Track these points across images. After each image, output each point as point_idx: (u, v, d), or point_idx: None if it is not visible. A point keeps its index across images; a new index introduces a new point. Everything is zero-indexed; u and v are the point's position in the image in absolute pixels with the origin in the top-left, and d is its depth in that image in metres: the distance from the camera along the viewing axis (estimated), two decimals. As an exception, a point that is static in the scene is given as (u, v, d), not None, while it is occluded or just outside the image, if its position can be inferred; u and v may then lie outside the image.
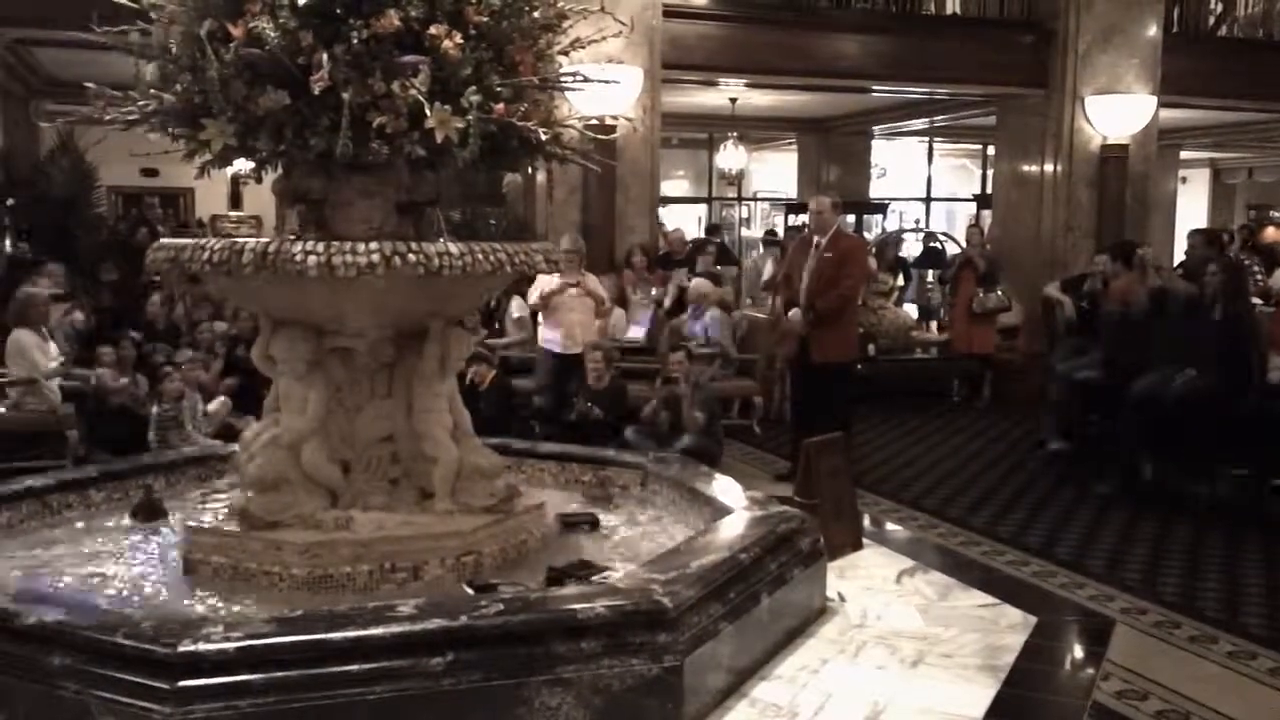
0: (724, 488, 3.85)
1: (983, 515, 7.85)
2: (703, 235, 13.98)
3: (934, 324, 15.16)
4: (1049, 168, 13.19)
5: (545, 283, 9.06)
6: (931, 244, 17.67)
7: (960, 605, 3.52)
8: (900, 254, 16.65)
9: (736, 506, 3.54)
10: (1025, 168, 13.57)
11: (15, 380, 8.15)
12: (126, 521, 3.82)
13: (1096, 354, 9.29)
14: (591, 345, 8.80)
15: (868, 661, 3.04)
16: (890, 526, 4.86)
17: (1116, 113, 12.84)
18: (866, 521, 4.30)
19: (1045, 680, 3.03)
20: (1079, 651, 3.32)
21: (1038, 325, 12.26)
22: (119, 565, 3.45)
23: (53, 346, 8.45)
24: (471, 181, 11.50)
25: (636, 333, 10.69)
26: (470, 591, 3.13)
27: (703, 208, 22.58)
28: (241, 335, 9.13)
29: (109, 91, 3.31)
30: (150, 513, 3.84)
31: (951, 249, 15.91)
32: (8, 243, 12.12)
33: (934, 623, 3.34)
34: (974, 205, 21.25)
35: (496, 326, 10.57)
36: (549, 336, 9.31)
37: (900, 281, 14.72)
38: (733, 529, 3.28)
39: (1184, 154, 21.57)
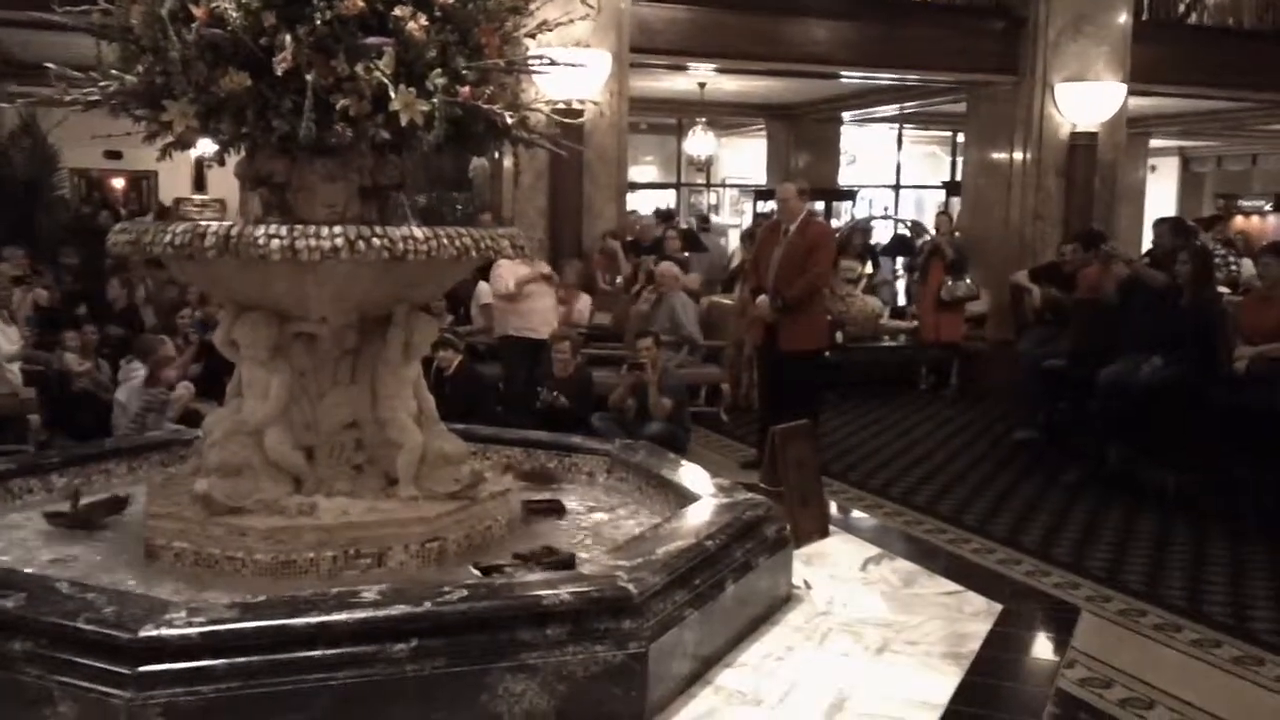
0: (690, 475, 3.86)
1: (949, 503, 7.92)
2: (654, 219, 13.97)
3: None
4: (1018, 155, 13.28)
5: (514, 270, 9.06)
6: (900, 231, 17.75)
7: (925, 593, 3.54)
8: (869, 241, 16.68)
9: (703, 494, 3.55)
10: (994, 155, 13.65)
11: (-26, 364, 8.07)
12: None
13: (1064, 342, 9.38)
14: (558, 334, 8.81)
15: (833, 649, 3.06)
16: (856, 514, 4.89)
17: (1086, 101, 12.94)
18: (833, 509, 4.32)
19: (1010, 668, 3.05)
20: (1044, 639, 3.35)
21: (1006, 313, 12.36)
22: (80, 549, 3.43)
23: (14, 330, 8.37)
24: (437, 166, 11.48)
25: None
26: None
27: (671, 193, 22.58)
28: (208, 320, 9.09)
29: (70, 72, 3.27)
30: (83, 523, 3.64)
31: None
32: None
33: (899, 610, 3.37)
34: (943, 193, 21.35)
35: (462, 312, 10.55)
36: (519, 324, 9.31)
37: (869, 269, 14.77)
38: (699, 516, 3.29)
39: (1153, 142, 21.77)
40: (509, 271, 9.10)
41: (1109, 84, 12.99)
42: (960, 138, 18.01)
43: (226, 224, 3.13)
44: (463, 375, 8.36)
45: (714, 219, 22.36)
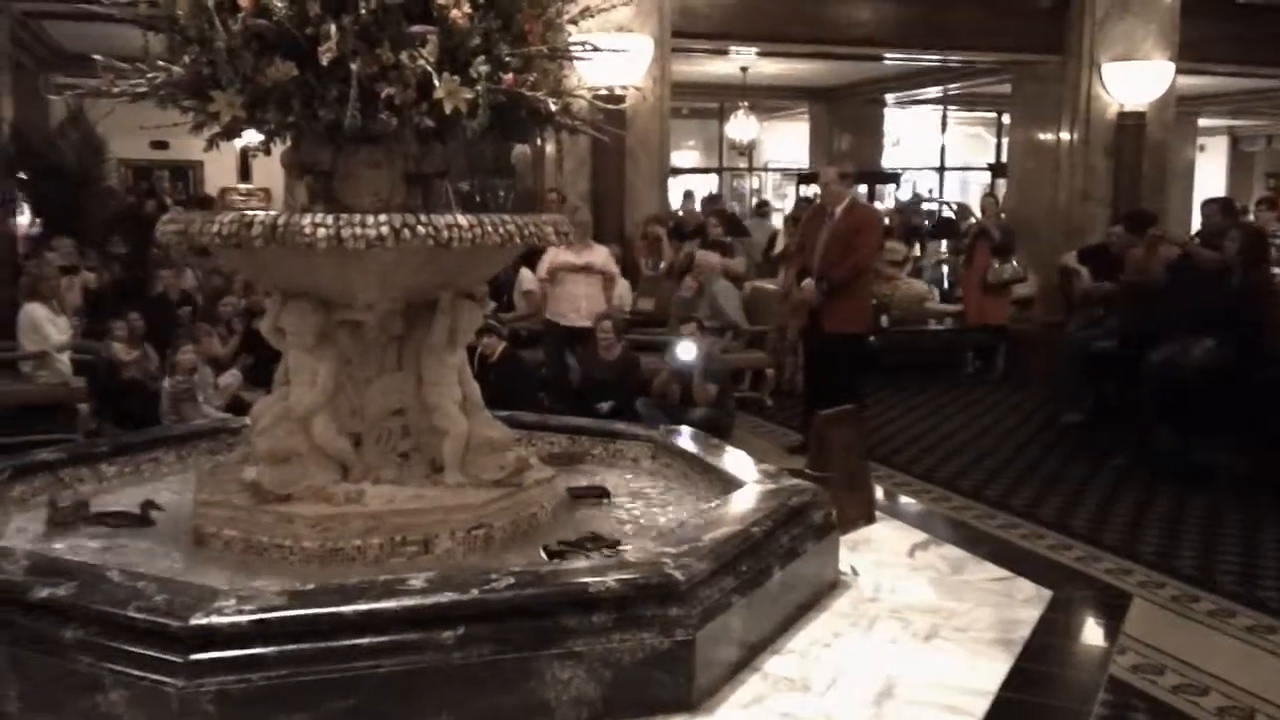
0: (735, 461, 3.85)
1: (997, 488, 7.86)
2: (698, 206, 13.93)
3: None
4: (1065, 136, 13.12)
5: (552, 256, 9.09)
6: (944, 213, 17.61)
7: (974, 579, 3.52)
8: (918, 223, 16.59)
9: (748, 479, 3.53)
10: (1041, 136, 13.50)
11: (28, 354, 8.19)
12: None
13: (1113, 324, 9.27)
14: (601, 315, 8.82)
15: (880, 635, 3.04)
16: (903, 500, 4.86)
17: (1134, 80, 12.76)
18: (879, 495, 4.30)
19: (1060, 654, 3.03)
20: (1095, 625, 3.32)
21: (1054, 296, 12.23)
22: (130, 538, 3.47)
23: (63, 320, 8.49)
24: (480, 153, 11.51)
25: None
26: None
27: (713, 178, 22.52)
28: (255, 309, 9.17)
29: (117, 64, 3.30)
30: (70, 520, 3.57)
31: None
32: (23, 218, 12.14)
33: (947, 596, 3.34)
34: (989, 174, 21.16)
35: (506, 299, 10.58)
36: (552, 309, 9.36)
37: (917, 251, 14.66)
38: (744, 502, 3.28)
39: (1202, 121, 21.46)
40: (550, 256, 9.15)
41: (1157, 63, 12.80)
42: (1006, 119, 17.85)
43: (273, 213, 3.15)
44: (506, 362, 8.38)
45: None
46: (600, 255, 9.38)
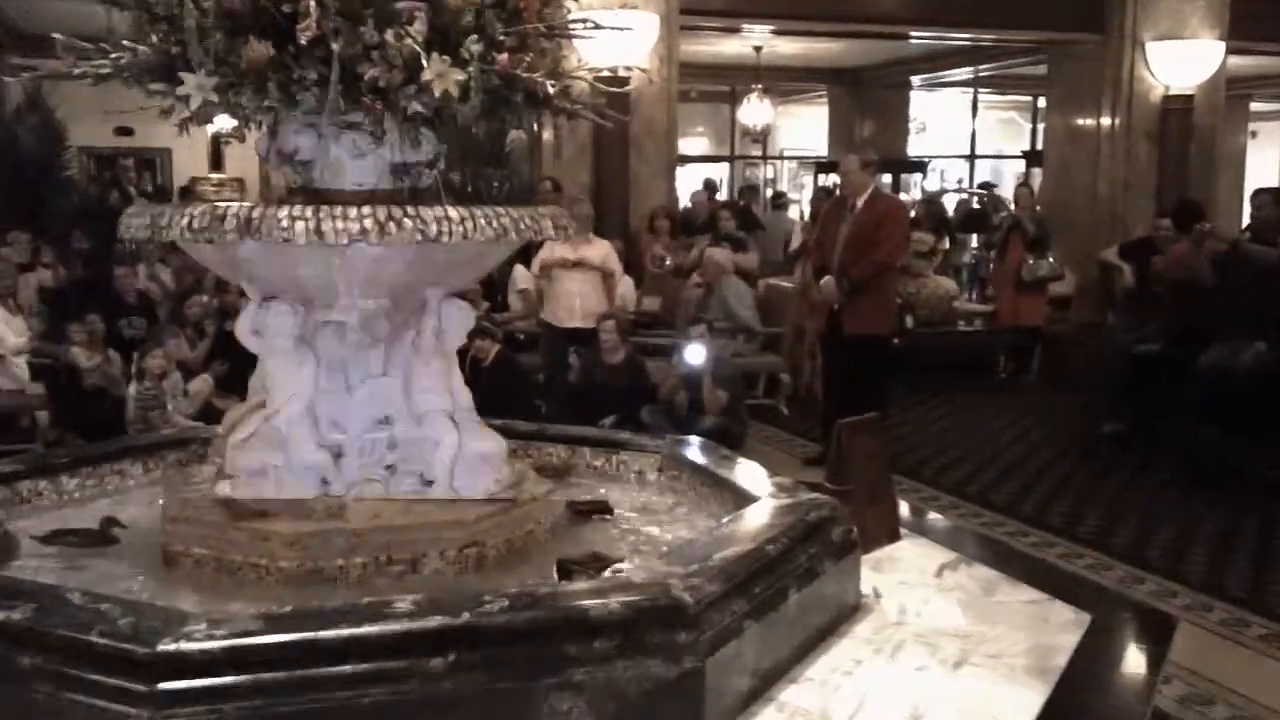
0: (748, 473, 3.85)
1: (1031, 502, 7.85)
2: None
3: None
4: (1106, 121, 13.12)
5: (546, 251, 9.10)
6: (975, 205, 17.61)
7: (1007, 601, 3.51)
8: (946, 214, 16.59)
9: (762, 493, 3.54)
10: (1080, 121, 13.49)
11: (-21, 357, 8.20)
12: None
13: (1158, 325, 9.26)
14: (603, 315, 8.82)
15: (906, 662, 3.04)
16: (930, 515, 4.85)
17: (1181, 60, 12.75)
18: (904, 510, 4.30)
19: (1101, 683, 3.02)
20: (1138, 652, 3.32)
21: (1093, 294, 12.22)
22: (92, 557, 3.47)
23: (19, 321, 8.49)
24: (472, 140, 11.51)
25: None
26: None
27: (724, 167, 22.52)
28: (227, 309, 9.17)
29: (79, 44, 3.31)
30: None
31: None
32: None
33: (978, 620, 3.34)
34: (1023, 163, 21.16)
35: (499, 299, 10.59)
36: (547, 309, 9.37)
37: (946, 244, 14.63)
38: (758, 518, 3.28)
39: (1255, 105, 21.42)
40: (544, 251, 9.15)
41: (1206, 42, 12.79)
42: (1041, 102, 17.83)
43: (248, 205, 3.15)
44: (500, 366, 8.38)
45: (770, 194, 22.28)
46: (598, 250, 9.35)
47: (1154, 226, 11.00)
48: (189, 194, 16.61)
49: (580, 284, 9.22)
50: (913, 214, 12.98)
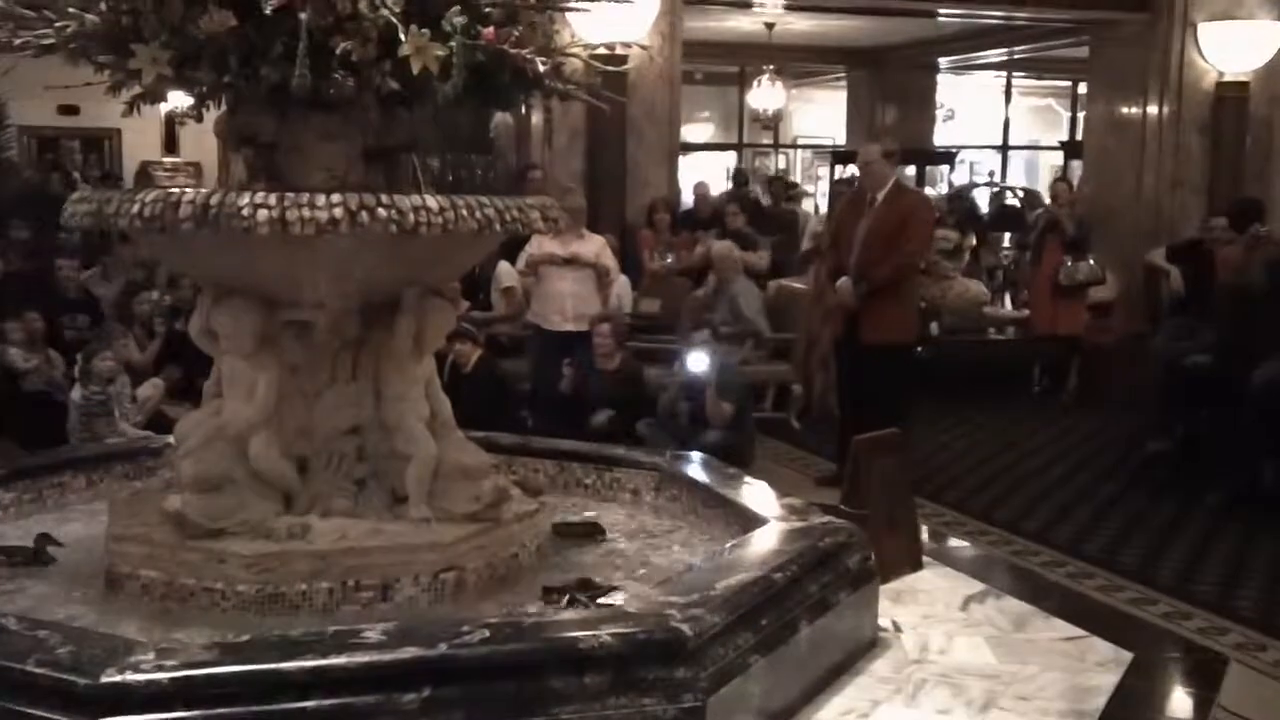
0: (755, 493, 3.85)
1: (1067, 529, 7.86)
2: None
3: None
4: (1153, 110, 13.13)
5: (534, 246, 9.10)
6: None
7: (1040, 638, 3.52)
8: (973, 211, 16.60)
9: (770, 516, 3.54)
10: (1124, 110, 13.51)
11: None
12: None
13: (1209, 335, 9.27)
14: (599, 317, 8.82)
15: (928, 704, 3.04)
16: (955, 542, 4.85)
17: (1236, 43, 12.76)
18: (926, 536, 4.30)
19: (1143, 728, 3.03)
20: (1184, 695, 3.32)
21: (1137, 301, 12.23)
22: (27, 579, 3.46)
23: (-49, 318, 8.49)
24: (453, 123, 11.53)
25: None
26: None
27: (731, 156, 22.54)
28: (180, 306, 9.17)
29: (20, 10, 3.31)
30: None
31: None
32: None
33: (1008, 659, 3.34)
34: (1061, 155, 21.19)
35: (482, 298, 10.60)
36: (534, 309, 9.37)
37: (973, 242, 14.63)
38: (766, 543, 3.28)
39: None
40: (531, 246, 9.15)
41: (1264, 23, 12.81)
42: (1082, 89, 17.86)
43: (205, 191, 3.15)
44: (483, 372, 8.39)
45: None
46: (592, 246, 9.34)
47: (1206, 226, 11.01)
48: (144, 178, 16.59)
49: (572, 283, 9.21)
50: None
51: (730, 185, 17.99)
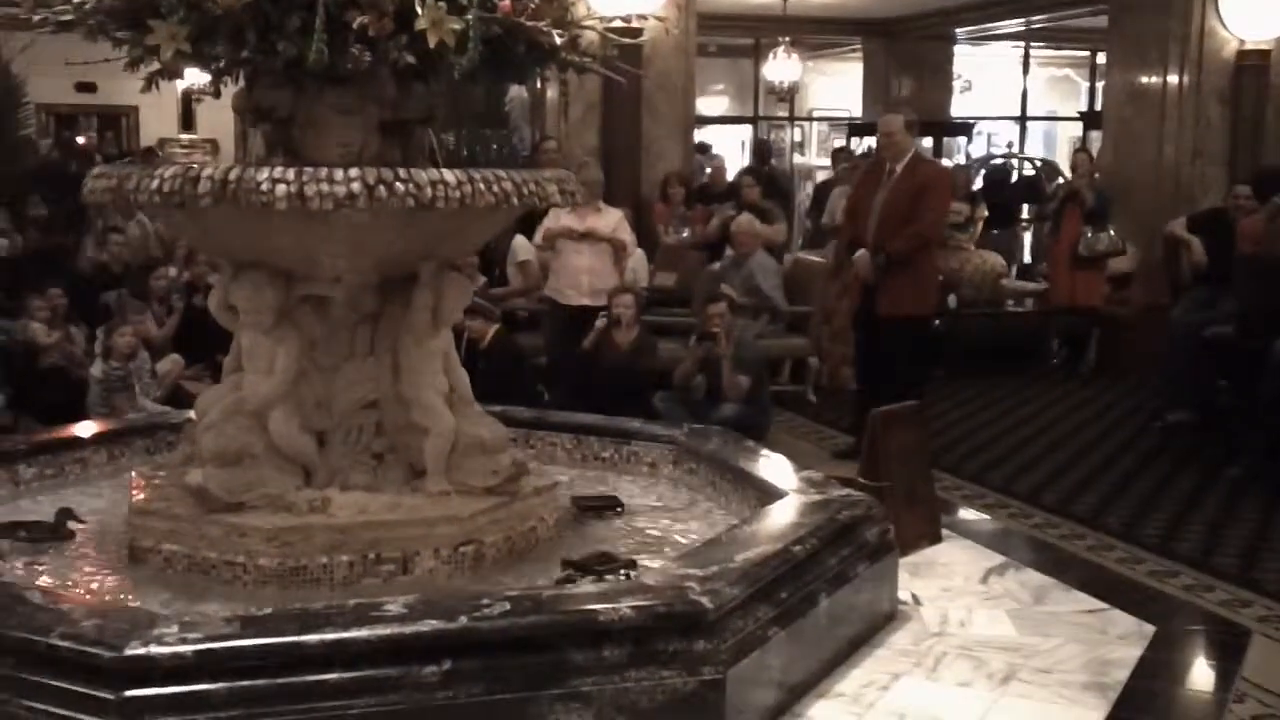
0: (773, 466, 3.86)
1: (1086, 502, 7.85)
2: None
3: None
4: (1173, 79, 13.04)
5: (551, 220, 9.10)
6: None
7: (1060, 610, 3.51)
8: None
9: (788, 489, 3.54)
10: (1143, 79, 13.41)
11: (-74, 335, 8.23)
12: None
13: (1230, 306, 9.22)
14: (620, 289, 8.82)
15: (948, 677, 3.04)
16: (974, 515, 4.84)
17: (1257, 10, 12.66)
18: (946, 509, 4.29)
19: (1165, 702, 3.02)
20: (1206, 667, 3.32)
21: (1157, 272, 12.17)
22: (50, 554, 3.48)
23: (-29, 295, 8.53)
24: (468, 97, 11.53)
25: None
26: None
27: (747, 129, 22.46)
28: (197, 282, 9.20)
29: (37, -13, 3.31)
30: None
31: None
32: None
33: (1028, 631, 3.34)
34: (1080, 126, 21.07)
35: (497, 273, 10.60)
36: (550, 284, 9.37)
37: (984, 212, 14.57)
38: (784, 516, 3.28)
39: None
40: (548, 221, 9.15)
41: (1286, -10, 12.72)
42: (1101, 58, 17.75)
43: (224, 166, 3.16)
44: (499, 347, 8.39)
45: (798, 159, 22.22)
46: (609, 220, 9.33)
47: (1231, 195, 10.93)
48: (150, 155, 16.63)
49: (589, 257, 9.21)
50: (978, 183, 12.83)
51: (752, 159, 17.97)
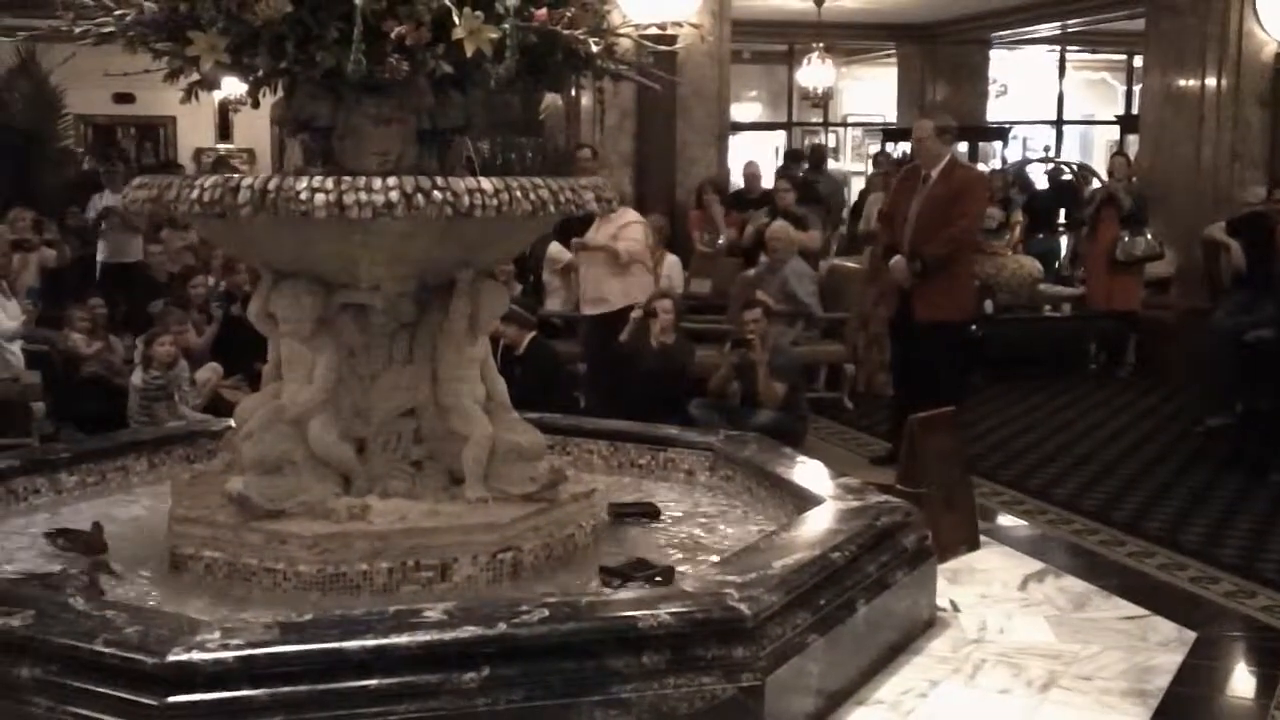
0: (810, 473, 3.86)
1: (1127, 508, 7.79)
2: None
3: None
4: (1211, 82, 12.96)
5: (597, 228, 9.06)
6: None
7: (1100, 617, 3.50)
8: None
9: (826, 496, 3.54)
10: (1181, 82, 13.34)
11: (-31, 344, 8.30)
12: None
13: (1270, 310, 9.16)
14: (660, 293, 8.80)
15: (987, 684, 3.04)
16: (1013, 521, 4.83)
17: (1296, 12, 12.59)
18: (984, 515, 4.28)
19: (1206, 709, 3.02)
20: (1248, 674, 3.30)
21: (1195, 276, 12.09)
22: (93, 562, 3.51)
23: (14, 304, 8.59)
24: (503, 105, 11.57)
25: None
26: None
27: (781, 135, 22.44)
28: (235, 291, 9.25)
29: (80, 0, 3.34)
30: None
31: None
32: None
33: (1068, 638, 3.33)
34: (1117, 129, 20.96)
35: (533, 280, 10.60)
36: (582, 294, 9.35)
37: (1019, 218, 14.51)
38: (822, 523, 3.28)
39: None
40: (593, 230, 9.10)
41: (1325, -8, 12.63)
42: (1138, 61, 17.66)
43: (263, 176, 3.18)
44: (535, 355, 8.40)
45: (833, 164, 22.13)
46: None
47: (1271, 198, 10.87)
48: (221, 165, 16.67)
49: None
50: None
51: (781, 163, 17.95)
